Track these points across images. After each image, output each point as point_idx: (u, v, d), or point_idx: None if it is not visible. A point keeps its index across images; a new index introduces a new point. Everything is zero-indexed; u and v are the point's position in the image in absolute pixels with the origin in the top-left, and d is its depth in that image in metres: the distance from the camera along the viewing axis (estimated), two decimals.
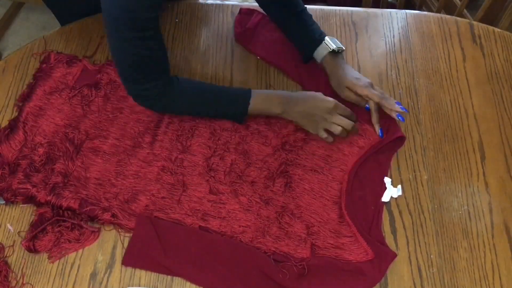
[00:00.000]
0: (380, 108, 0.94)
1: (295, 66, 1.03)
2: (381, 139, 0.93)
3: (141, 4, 0.73)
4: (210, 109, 0.92)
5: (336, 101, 0.88)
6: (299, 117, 0.90)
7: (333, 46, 0.96)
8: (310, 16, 1.02)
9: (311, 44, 0.98)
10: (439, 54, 1.07)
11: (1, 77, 1.01)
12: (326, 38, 0.97)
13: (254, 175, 0.90)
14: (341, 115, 0.89)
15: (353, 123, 0.89)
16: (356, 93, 0.94)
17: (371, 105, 0.93)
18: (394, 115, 0.92)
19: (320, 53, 0.97)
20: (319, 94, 0.89)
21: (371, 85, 0.93)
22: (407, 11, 1.15)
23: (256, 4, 1.08)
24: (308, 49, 0.99)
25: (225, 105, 0.91)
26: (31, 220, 0.85)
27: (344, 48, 0.98)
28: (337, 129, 0.88)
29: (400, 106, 0.92)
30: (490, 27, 1.11)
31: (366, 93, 0.92)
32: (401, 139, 0.94)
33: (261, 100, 0.90)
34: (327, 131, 0.90)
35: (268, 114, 0.92)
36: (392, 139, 0.93)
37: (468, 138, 0.96)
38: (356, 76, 0.94)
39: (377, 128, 0.93)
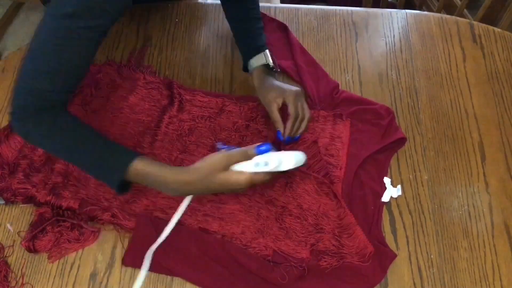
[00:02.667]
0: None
1: (295, 66, 1.03)
2: (382, 139, 0.93)
3: None
4: (79, 157, 0.74)
5: (251, 177, 0.70)
6: (209, 193, 0.80)
7: (269, 61, 0.91)
8: (261, 27, 0.97)
9: (250, 50, 0.93)
10: (439, 54, 1.07)
11: (1, 77, 1.01)
12: (267, 51, 0.92)
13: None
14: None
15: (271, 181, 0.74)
16: (280, 106, 0.86)
17: (291, 111, 0.85)
18: (292, 133, 0.86)
19: (252, 63, 0.92)
20: (224, 177, 0.70)
21: (299, 95, 0.86)
22: (407, 11, 1.15)
23: None
24: (246, 56, 0.94)
25: (100, 163, 0.73)
26: (31, 220, 0.85)
27: (278, 71, 0.95)
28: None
29: (295, 138, 0.89)
30: (490, 27, 1.11)
31: (290, 99, 0.85)
32: (401, 140, 0.94)
33: (145, 175, 0.72)
34: None
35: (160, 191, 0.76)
36: (393, 140, 0.93)
37: (468, 138, 0.96)
38: (282, 90, 0.87)
39: (281, 128, 0.86)
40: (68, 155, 0.76)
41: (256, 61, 0.92)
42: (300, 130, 0.87)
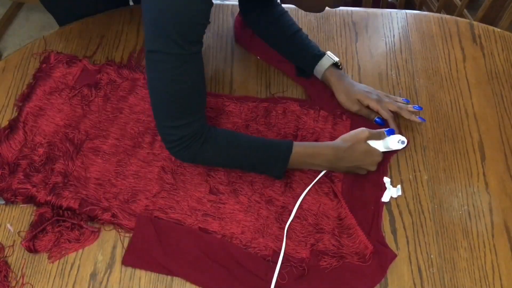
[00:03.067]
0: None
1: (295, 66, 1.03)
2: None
3: (195, 10, 0.67)
4: (246, 164, 0.85)
5: (380, 152, 0.88)
6: (345, 170, 0.88)
7: (336, 58, 0.96)
8: (307, 35, 1.00)
9: (312, 59, 0.97)
10: (439, 54, 1.07)
11: (1, 77, 1.01)
12: (328, 52, 0.97)
13: (254, 175, 0.90)
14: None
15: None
16: (367, 107, 0.94)
17: (387, 116, 0.93)
18: (414, 118, 0.93)
19: (323, 64, 0.96)
20: (365, 152, 0.86)
21: (381, 97, 0.94)
22: (407, 11, 1.15)
23: None
24: (309, 64, 0.97)
25: (263, 159, 0.84)
26: (31, 220, 0.85)
27: (342, 67, 0.98)
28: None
29: (414, 107, 0.94)
30: (490, 27, 1.12)
31: (379, 107, 0.93)
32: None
33: (304, 156, 0.85)
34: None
35: (313, 168, 0.89)
36: None
37: (468, 138, 0.96)
38: (366, 90, 0.95)
39: (414, 118, 0.93)
40: (236, 165, 0.86)
41: (324, 64, 0.96)
42: (413, 119, 0.93)
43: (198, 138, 0.79)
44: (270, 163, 0.84)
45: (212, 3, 0.71)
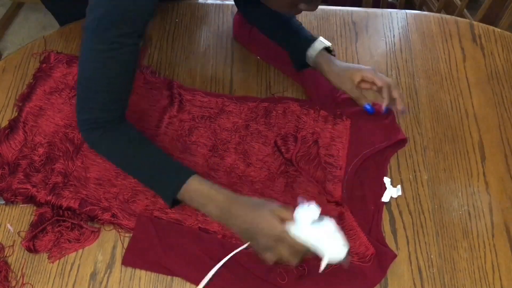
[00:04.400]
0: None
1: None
2: (383, 140, 0.93)
3: (138, 4, 0.68)
4: (138, 172, 0.80)
5: (285, 231, 0.68)
6: (239, 232, 0.74)
7: (328, 43, 0.93)
8: (300, 23, 0.98)
9: (304, 43, 0.94)
10: (439, 54, 1.07)
11: (1, 77, 1.01)
12: (320, 37, 0.94)
13: (254, 175, 0.90)
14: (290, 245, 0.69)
15: (298, 262, 0.70)
16: (362, 82, 0.90)
17: (381, 83, 0.88)
18: (399, 101, 0.90)
19: (315, 48, 0.93)
20: (266, 216, 0.69)
21: (374, 70, 0.91)
22: (407, 11, 1.15)
23: None
24: (301, 48, 0.95)
25: (154, 176, 0.78)
26: (31, 220, 0.85)
27: (335, 54, 0.96)
28: (282, 261, 0.70)
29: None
30: (490, 27, 1.12)
31: (374, 76, 0.89)
32: (402, 141, 0.94)
33: (198, 193, 0.74)
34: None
35: (203, 212, 0.76)
36: (394, 141, 0.93)
37: (468, 138, 0.96)
38: (357, 67, 0.91)
39: (399, 103, 0.89)
40: (128, 169, 0.81)
41: (316, 48, 0.93)
42: (399, 99, 0.90)
43: (98, 128, 0.77)
44: (160, 183, 0.77)
45: (157, 3, 0.71)
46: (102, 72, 0.73)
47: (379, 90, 0.90)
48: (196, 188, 0.74)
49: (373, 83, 0.90)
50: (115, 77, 0.74)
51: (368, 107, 0.93)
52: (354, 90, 0.92)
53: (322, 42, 0.94)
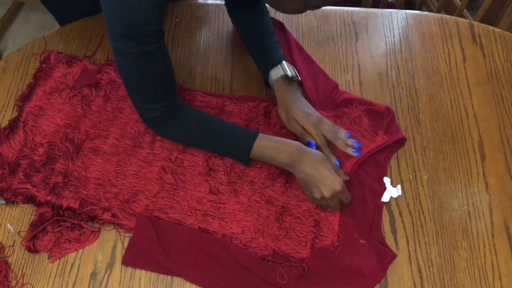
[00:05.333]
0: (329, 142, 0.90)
1: (293, 65, 1.03)
2: (382, 140, 0.93)
3: (143, 14, 0.69)
4: (211, 145, 0.88)
5: (343, 185, 0.81)
6: (301, 178, 0.83)
7: (287, 72, 0.90)
8: (277, 41, 0.96)
9: (268, 64, 0.93)
10: (439, 54, 1.07)
11: (1, 77, 1.01)
12: (284, 62, 0.92)
13: (254, 175, 0.90)
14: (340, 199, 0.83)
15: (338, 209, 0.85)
16: (302, 127, 0.89)
17: (318, 142, 0.88)
18: (349, 151, 0.88)
19: (274, 73, 0.92)
20: (329, 171, 0.81)
21: (320, 122, 0.88)
22: (407, 11, 1.15)
23: None
24: (265, 68, 0.94)
25: (226, 145, 0.87)
26: (31, 220, 0.85)
27: (299, 79, 0.93)
28: (327, 208, 0.85)
29: (354, 142, 0.89)
30: (490, 27, 1.11)
31: (314, 132, 0.88)
32: (401, 140, 0.94)
33: (267, 147, 0.84)
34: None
35: (274, 163, 0.86)
36: (393, 140, 0.93)
37: (468, 138, 0.96)
38: (307, 111, 0.89)
39: (349, 151, 0.88)
40: (203, 145, 0.89)
41: (275, 74, 0.92)
42: (349, 147, 0.89)
43: (167, 118, 0.84)
44: (233, 150, 0.87)
45: (163, 4, 0.72)
46: (145, 73, 0.78)
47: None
48: (265, 145, 0.84)
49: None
50: (159, 74, 0.79)
51: (311, 142, 0.88)
52: (297, 129, 0.90)
53: (280, 70, 0.91)
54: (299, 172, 0.82)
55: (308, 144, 0.88)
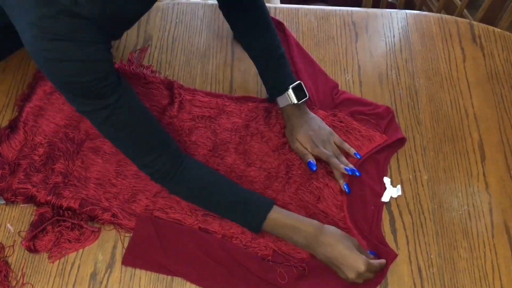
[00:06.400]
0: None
1: (292, 65, 1.03)
2: (382, 140, 0.93)
3: (88, 68, 0.66)
4: (219, 210, 0.84)
5: (367, 261, 0.77)
6: (324, 259, 0.80)
7: (294, 100, 0.89)
8: (287, 63, 0.93)
9: (275, 90, 0.92)
10: (439, 54, 1.07)
11: (1, 77, 1.01)
12: (290, 90, 0.89)
13: (254, 175, 0.90)
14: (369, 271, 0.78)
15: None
16: (305, 148, 0.89)
17: (323, 158, 0.88)
18: (341, 183, 0.88)
19: (281, 102, 0.91)
20: (351, 252, 0.77)
21: (328, 140, 0.90)
22: (407, 11, 1.15)
23: None
24: (272, 93, 0.93)
25: (236, 215, 0.82)
26: (31, 220, 0.85)
27: (308, 97, 0.91)
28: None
29: (355, 154, 0.90)
30: (490, 27, 1.12)
31: (316, 152, 0.88)
32: (401, 140, 0.94)
33: (281, 225, 0.79)
34: None
35: (289, 241, 0.82)
36: (393, 140, 0.93)
37: (468, 138, 0.96)
38: (310, 132, 0.89)
39: (342, 183, 0.88)
40: (211, 210, 0.84)
41: (282, 102, 0.91)
42: (348, 163, 0.89)
43: (168, 175, 0.79)
44: (244, 221, 0.82)
45: (111, 59, 0.69)
46: (122, 127, 0.73)
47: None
48: (278, 221, 0.79)
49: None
50: (136, 123, 0.75)
51: (312, 163, 0.88)
52: (299, 149, 0.90)
53: (287, 99, 0.90)
54: (319, 254, 0.79)
55: (308, 164, 0.88)
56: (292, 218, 0.80)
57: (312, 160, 0.88)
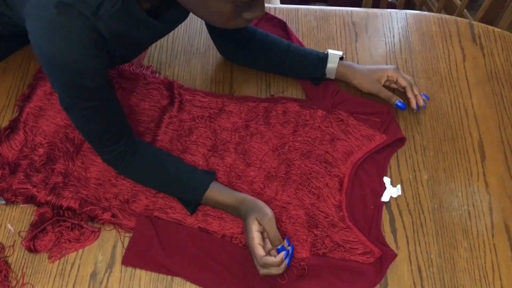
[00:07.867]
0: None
1: None
2: (382, 139, 0.93)
3: (84, 75, 0.70)
4: (164, 188, 0.87)
5: (262, 258, 0.76)
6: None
7: (339, 52, 0.96)
8: (297, 44, 0.99)
9: (319, 63, 0.96)
10: (439, 54, 1.07)
11: (1, 77, 1.01)
12: (329, 52, 0.96)
13: (253, 175, 0.90)
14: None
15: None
16: (389, 82, 0.96)
17: (405, 83, 0.94)
18: (412, 102, 0.94)
19: (333, 62, 0.96)
20: (253, 243, 0.77)
21: (395, 71, 0.95)
22: (407, 11, 1.15)
23: None
24: (318, 69, 0.96)
25: (178, 195, 0.86)
26: (31, 220, 0.85)
27: (342, 53, 0.98)
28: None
29: (423, 95, 0.96)
30: (490, 27, 1.12)
31: (397, 75, 0.94)
32: (401, 140, 0.94)
33: (214, 202, 0.84)
34: None
35: (224, 209, 0.85)
36: (393, 140, 0.93)
37: (468, 138, 0.96)
38: (381, 67, 0.96)
39: (420, 99, 0.94)
40: (155, 188, 0.87)
41: (334, 62, 0.96)
42: (419, 96, 0.95)
43: (123, 158, 0.82)
44: (184, 200, 0.86)
45: (106, 63, 0.73)
46: (97, 122, 0.77)
47: (403, 89, 0.95)
48: (211, 199, 0.84)
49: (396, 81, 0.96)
50: (111, 121, 0.79)
51: (400, 104, 0.95)
52: (383, 91, 0.95)
53: (334, 54, 0.96)
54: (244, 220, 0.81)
55: (397, 105, 0.95)
56: (223, 196, 0.83)
57: (398, 101, 0.94)
